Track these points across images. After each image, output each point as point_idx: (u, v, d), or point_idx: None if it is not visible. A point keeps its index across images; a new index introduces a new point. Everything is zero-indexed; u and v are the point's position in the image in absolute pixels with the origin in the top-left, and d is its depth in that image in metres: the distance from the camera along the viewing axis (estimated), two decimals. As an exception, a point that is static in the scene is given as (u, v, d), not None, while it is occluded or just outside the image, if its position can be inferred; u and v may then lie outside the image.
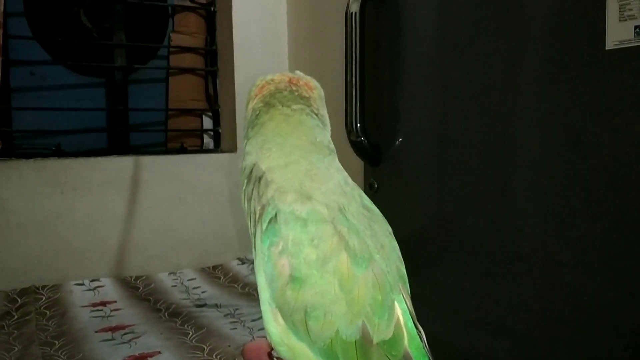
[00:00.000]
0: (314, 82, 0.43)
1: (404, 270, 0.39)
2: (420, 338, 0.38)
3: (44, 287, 1.98)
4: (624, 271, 0.90)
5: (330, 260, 0.35)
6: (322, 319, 0.34)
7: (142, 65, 2.59)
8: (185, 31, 2.60)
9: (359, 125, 1.27)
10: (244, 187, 0.40)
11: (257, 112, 0.41)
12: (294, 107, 0.41)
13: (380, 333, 0.35)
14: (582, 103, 0.95)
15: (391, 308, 0.36)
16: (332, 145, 0.42)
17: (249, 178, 0.39)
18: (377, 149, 1.33)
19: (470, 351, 1.17)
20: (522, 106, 1.06)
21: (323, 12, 2.38)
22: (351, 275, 0.35)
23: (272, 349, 0.40)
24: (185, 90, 2.61)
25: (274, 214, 0.36)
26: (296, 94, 0.41)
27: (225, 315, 1.77)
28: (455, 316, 1.21)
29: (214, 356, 1.44)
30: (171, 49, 2.60)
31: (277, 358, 0.38)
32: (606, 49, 0.88)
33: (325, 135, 0.42)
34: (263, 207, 0.37)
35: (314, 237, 0.35)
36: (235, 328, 1.64)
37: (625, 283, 0.90)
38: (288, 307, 0.35)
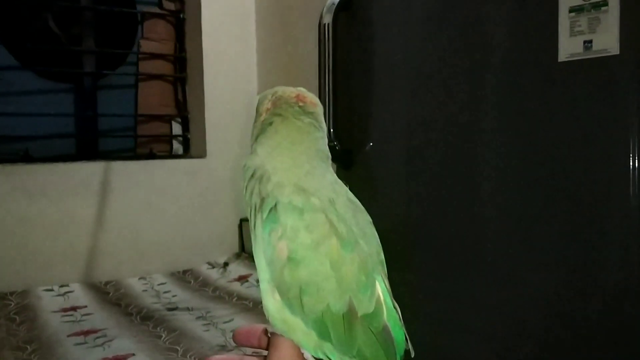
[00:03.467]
0: (316, 99, 0.49)
1: (383, 255, 0.45)
2: (397, 312, 0.43)
3: (12, 293, 1.96)
4: (579, 270, 0.98)
5: (322, 244, 0.41)
6: (315, 294, 0.40)
7: (111, 72, 2.59)
8: (155, 38, 2.62)
9: (331, 130, 1.32)
10: (246, 183, 0.45)
11: (271, 122, 0.46)
12: (305, 120, 0.46)
13: (363, 307, 0.41)
14: (539, 112, 1.02)
15: (373, 286, 0.42)
16: (329, 153, 0.48)
17: (252, 175, 0.44)
18: (349, 153, 1.38)
19: (435, 349, 1.22)
20: (485, 114, 1.12)
21: (292, 20, 2.43)
22: (340, 257, 0.41)
23: (265, 329, 0.45)
24: (154, 97, 2.62)
25: (273, 204, 0.41)
26: (304, 108, 0.47)
27: (197, 318, 1.79)
28: (420, 315, 1.25)
29: (188, 357, 1.46)
30: (140, 56, 2.61)
31: (271, 333, 0.44)
32: (559, 61, 0.96)
33: (326, 145, 0.48)
34: (263, 199, 0.42)
35: (309, 224, 0.41)
36: (207, 330, 1.67)
37: (580, 281, 0.98)
38: (285, 285, 0.40)
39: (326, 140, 0.49)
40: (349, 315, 0.41)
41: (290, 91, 0.49)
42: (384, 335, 0.42)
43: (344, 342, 0.41)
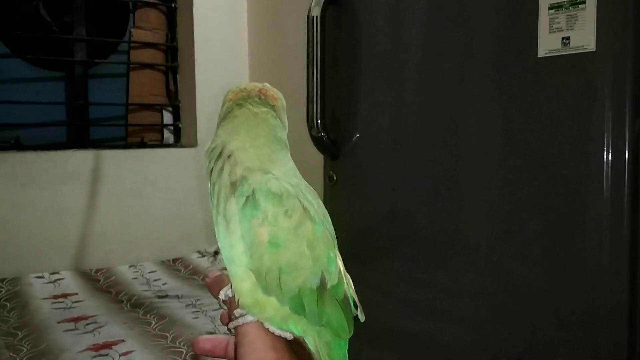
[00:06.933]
0: (278, 94, 0.53)
1: (334, 232, 0.50)
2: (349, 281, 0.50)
3: (2, 280, 1.97)
4: (559, 262, 1.01)
5: (300, 227, 0.45)
6: (294, 273, 0.45)
7: (102, 60, 2.59)
8: (146, 27, 2.61)
9: (319, 121, 1.34)
10: (212, 163, 0.47)
11: (230, 110, 0.49)
12: (262, 109, 0.50)
13: (331, 280, 0.46)
14: (519, 105, 1.05)
15: (336, 260, 0.48)
16: (286, 142, 0.51)
17: (220, 155, 0.47)
18: (336, 144, 1.41)
19: (419, 335, 1.25)
20: (469, 108, 1.15)
21: (283, 11, 2.44)
22: (315, 238, 0.45)
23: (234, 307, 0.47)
24: (145, 86, 2.62)
25: (251, 191, 0.44)
26: (264, 100, 0.50)
27: (186, 306, 1.81)
28: (405, 303, 1.28)
29: (177, 343, 1.48)
30: (132, 44, 2.61)
31: (234, 328, 0.46)
32: (538, 56, 0.99)
33: (283, 133, 0.51)
34: (234, 184, 0.45)
35: (287, 210, 0.45)
36: (197, 317, 1.69)
37: (558, 273, 1.01)
38: (264, 267, 0.44)
39: (284, 130, 0.52)
40: (321, 288, 0.45)
41: (254, 85, 0.52)
42: (345, 301, 0.47)
43: (315, 314, 0.45)
